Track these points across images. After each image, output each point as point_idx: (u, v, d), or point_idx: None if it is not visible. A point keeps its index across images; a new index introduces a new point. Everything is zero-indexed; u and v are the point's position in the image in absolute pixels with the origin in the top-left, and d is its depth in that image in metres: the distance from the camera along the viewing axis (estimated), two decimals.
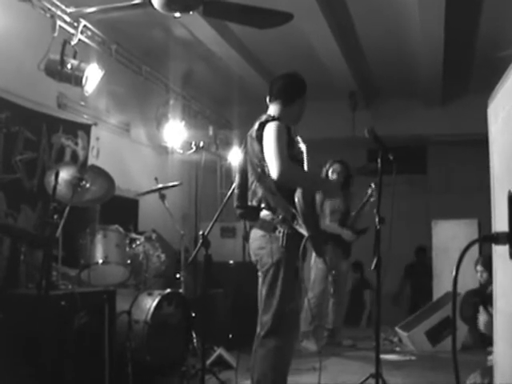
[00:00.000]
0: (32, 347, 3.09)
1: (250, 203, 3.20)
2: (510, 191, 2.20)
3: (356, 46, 6.45)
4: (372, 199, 5.71)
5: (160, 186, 5.03)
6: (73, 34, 4.87)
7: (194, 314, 4.55)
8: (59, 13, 4.73)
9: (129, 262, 4.46)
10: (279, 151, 2.97)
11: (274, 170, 2.95)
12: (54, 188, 3.63)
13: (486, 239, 1.87)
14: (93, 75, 4.79)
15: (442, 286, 7.00)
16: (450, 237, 7.31)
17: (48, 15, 4.70)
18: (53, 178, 3.69)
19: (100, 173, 4.25)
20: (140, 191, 5.40)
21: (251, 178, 3.21)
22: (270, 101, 3.35)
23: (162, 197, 5.05)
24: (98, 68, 4.86)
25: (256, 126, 3.18)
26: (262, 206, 3.12)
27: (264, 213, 3.12)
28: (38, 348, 3.09)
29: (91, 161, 5.55)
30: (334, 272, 5.78)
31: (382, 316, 3.58)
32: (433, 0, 4.93)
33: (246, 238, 3.33)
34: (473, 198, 7.08)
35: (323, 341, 5.89)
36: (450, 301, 5.77)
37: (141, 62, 6.31)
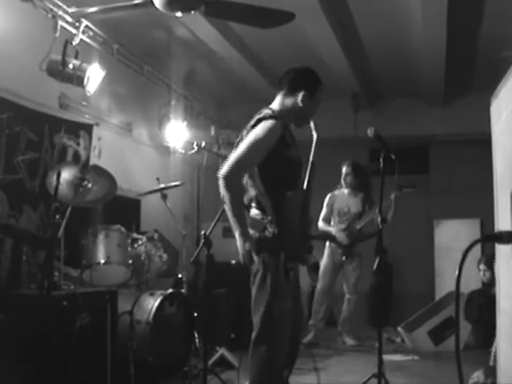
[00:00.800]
0: (34, 347, 3.09)
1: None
2: None
3: (358, 47, 6.44)
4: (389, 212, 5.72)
5: (162, 186, 5.03)
6: (74, 34, 4.86)
7: (196, 314, 4.55)
8: (61, 13, 4.73)
9: (131, 262, 4.46)
10: (243, 156, 2.86)
11: (223, 168, 2.84)
12: (56, 188, 3.63)
13: (489, 239, 1.86)
14: (94, 75, 4.78)
15: (444, 285, 7.01)
16: (452, 236, 7.32)
17: (50, 15, 4.70)
18: (55, 178, 3.69)
19: (102, 173, 4.26)
20: (142, 191, 5.39)
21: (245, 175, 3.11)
22: (277, 91, 3.23)
23: (164, 197, 5.05)
24: (100, 68, 4.85)
25: (253, 121, 3.05)
26: (253, 205, 3.04)
27: (254, 212, 3.02)
28: (39, 348, 3.09)
29: (93, 161, 5.55)
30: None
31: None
32: (435, 1, 4.92)
33: None
34: (475, 197, 7.08)
35: (310, 336, 6.01)
36: (453, 301, 5.77)
37: (142, 62, 6.30)
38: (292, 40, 6.11)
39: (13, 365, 3.09)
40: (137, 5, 3.94)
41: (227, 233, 6.44)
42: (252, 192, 3.03)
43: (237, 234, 2.95)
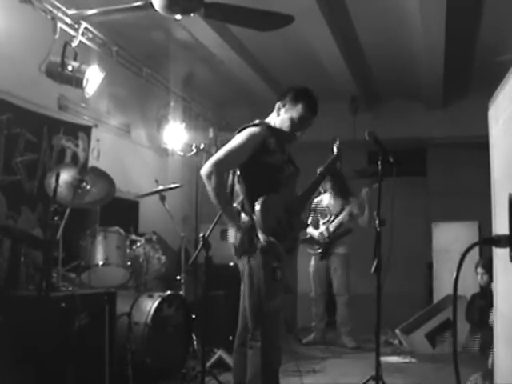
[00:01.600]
0: (32, 349, 3.09)
1: (234, 204, 3.24)
2: (510, 194, 2.20)
3: (357, 51, 6.46)
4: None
5: (160, 187, 5.04)
6: (74, 36, 4.88)
7: (194, 316, 4.55)
8: (60, 15, 4.73)
9: (129, 263, 4.46)
10: (222, 155, 3.04)
11: (205, 165, 3.04)
12: (55, 190, 3.63)
13: (487, 242, 1.87)
14: (93, 77, 4.79)
15: (442, 288, 7.00)
16: (450, 239, 7.31)
17: (49, 17, 4.71)
18: (53, 179, 3.69)
19: (100, 174, 4.26)
20: (140, 193, 5.40)
21: (236, 179, 3.24)
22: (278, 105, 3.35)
23: (163, 199, 5.06)
24: (99, 70, 4.86)
25: (238, 129, 3.23)
26: (239, 208, 3.18)
27: (243, 215, 3.15)
28: (38, 350, 3.09)
29: (92, 162, 5.55)
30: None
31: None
32: (434, 5, 4.94)
33: None
34: (473, 200, 7.07)
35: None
36: (451, 303, 5.77)
37: (141, 64, 6.31)
38: (291, 43, 6.12)
39: (11, 366, 3.09)
40: (136, 7, 3.95)
41: (225, 235, 6.46)
42: (241, 197, 3.17)
43: (229, 226, 3.13)
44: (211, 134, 7.57)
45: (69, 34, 4.86)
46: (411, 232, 8.29)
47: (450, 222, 7.78)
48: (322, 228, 6.22)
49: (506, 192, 2.73)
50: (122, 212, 5.53)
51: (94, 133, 5.68)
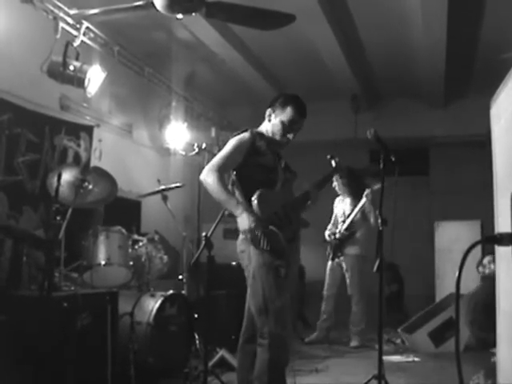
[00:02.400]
0: (34, 348, 3.09)
1: None
2: None
3: (359, 49, 6.45)
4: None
5: (162, 187, 5.03)
6: (75, 36, 4.88)
7: (196, 316, 4.55)
8: (62, 14, 4.74)
9: (131, 263, 4.46)
10: (217, 160, 3.17)
11: (202, 173, 3.17)
12: (57, 189, 3.63)
13: (489, 240, 1.86)
14: (95, 77, 4.79)
15: (444, 287, 7.00)
16: (452, 238, 7.31)
17: (50, 17, 4.71)
18: (55, 179, 3.69)
19: (102, 174, 4.26)
20: (142, 193, 5.40)
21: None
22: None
23: (165, 198, 5.05)
24: (101, 70, 4.86)
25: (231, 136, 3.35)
26: None
27: None
28: (40, 349, 3.09)
29: (94, 162, 5.56)
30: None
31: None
32: (435, 3, 4.93)
33: None
34: (475, 199, 7.07)
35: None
36: (453, 302, 5.77)
37: (143, 64, 6.32)
38: (293, 42, 6.12)
39: (13, 365, 3.09)
40: (138, 7, 3.95)
41: (228, 234, 6.46)
42: (239, 199, 3.22)
43: (238, 214, 3.10)
44: (213, 134, 7.57)
45: (70, 33, 4.86)
46: (413, 231, 8.29)
47: (452, 220, 7.79)
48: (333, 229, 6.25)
49: (508, 190, 2.73)
50: (124, 212, 5.53)
51: (96, 133, 5.69)
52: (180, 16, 3.91)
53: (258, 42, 6.24)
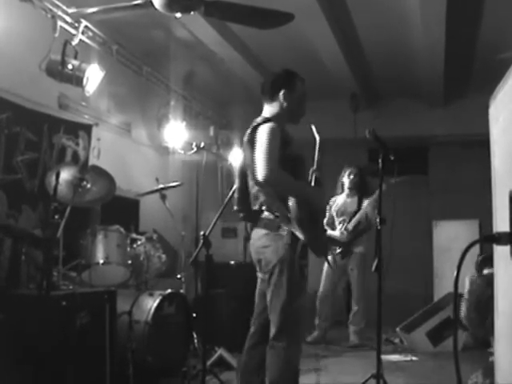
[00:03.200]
0: (33, 348, 3.09)
1: (253, 207, 3.21)
2: (510, 191, 2.19)
3: (358, 49, 6.45)
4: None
5: (161, 186, 5.03)
6: (74, 35, 4.87)
7: (194, 315, 4.55)
8: (60, 13, 4.73)
9: (130, 262, 4.46)
10: (267, 155, 2.95)
11: (259, 174, 2.95)
12: (55, 188, 3.63)
13: (487, 239, 1.87)
14: (94, 75, 4.79)
15: (442, 286, 7.01)
16: (451, 237, 7.32)
17: (49, 15, 4.70)
18: (54, 178, 3.69)
19: (101, 173, 4.26)
20: (141, 191, 5.39)
21: (251, 182, 3.21)
22: (263, 103, 3.38)
23: (163, 197, 5.05)
24: (99, 68, 4.86)
25: (249, 129, 3.20)
26: (264, 208, 3.15)
27: (266, 213, 3.14)
28: (38, 348, 3.09)
29: (92, 161, 5.55)
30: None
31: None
32: (434, 2, 4.93)
33: (249, 238, 3.36)
34: (474, 198, 7.07)
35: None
36: (451, 301, 5.77)
37: (142, 63, 6.31)
38: (291, 41, 6.12)
39: (12, 365, 3.09)
40: (136, 5, 3.94)
41: (226, 233, 6.46)
42: (261, 197, 3.14)
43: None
44: (212, 133, 7.56)
45: (69, 32, 4.85)
46: (412, 230, 8.28)
47: (451, 220, 7.79)
48: (339, 227, 6.21)
49: (506, 189, 2.73)
50: (122, 210, 5.53)
51: (95, 131, 5.68)
52: (179, 15, 3.91)
53: (257, 41, 6.24)
